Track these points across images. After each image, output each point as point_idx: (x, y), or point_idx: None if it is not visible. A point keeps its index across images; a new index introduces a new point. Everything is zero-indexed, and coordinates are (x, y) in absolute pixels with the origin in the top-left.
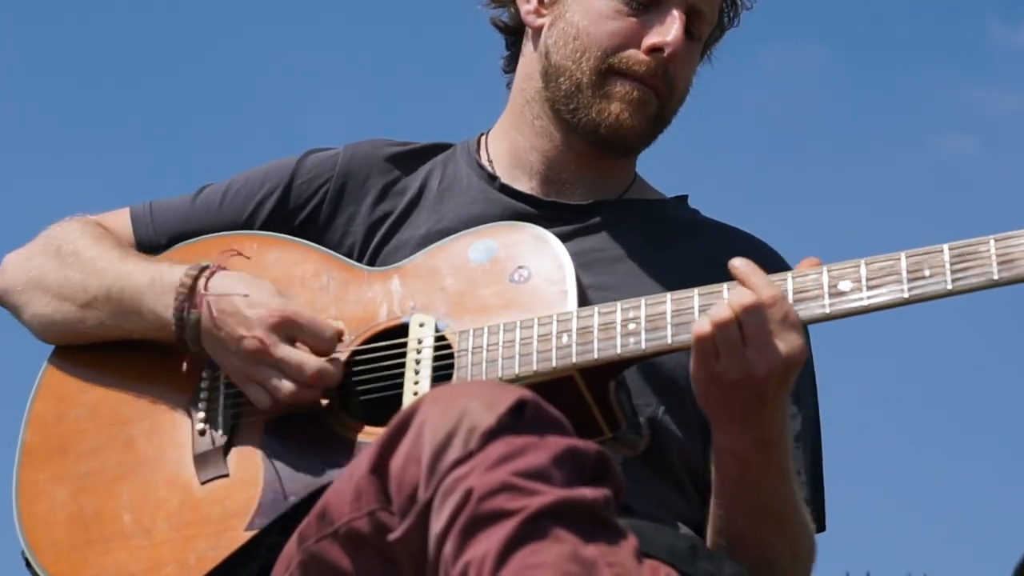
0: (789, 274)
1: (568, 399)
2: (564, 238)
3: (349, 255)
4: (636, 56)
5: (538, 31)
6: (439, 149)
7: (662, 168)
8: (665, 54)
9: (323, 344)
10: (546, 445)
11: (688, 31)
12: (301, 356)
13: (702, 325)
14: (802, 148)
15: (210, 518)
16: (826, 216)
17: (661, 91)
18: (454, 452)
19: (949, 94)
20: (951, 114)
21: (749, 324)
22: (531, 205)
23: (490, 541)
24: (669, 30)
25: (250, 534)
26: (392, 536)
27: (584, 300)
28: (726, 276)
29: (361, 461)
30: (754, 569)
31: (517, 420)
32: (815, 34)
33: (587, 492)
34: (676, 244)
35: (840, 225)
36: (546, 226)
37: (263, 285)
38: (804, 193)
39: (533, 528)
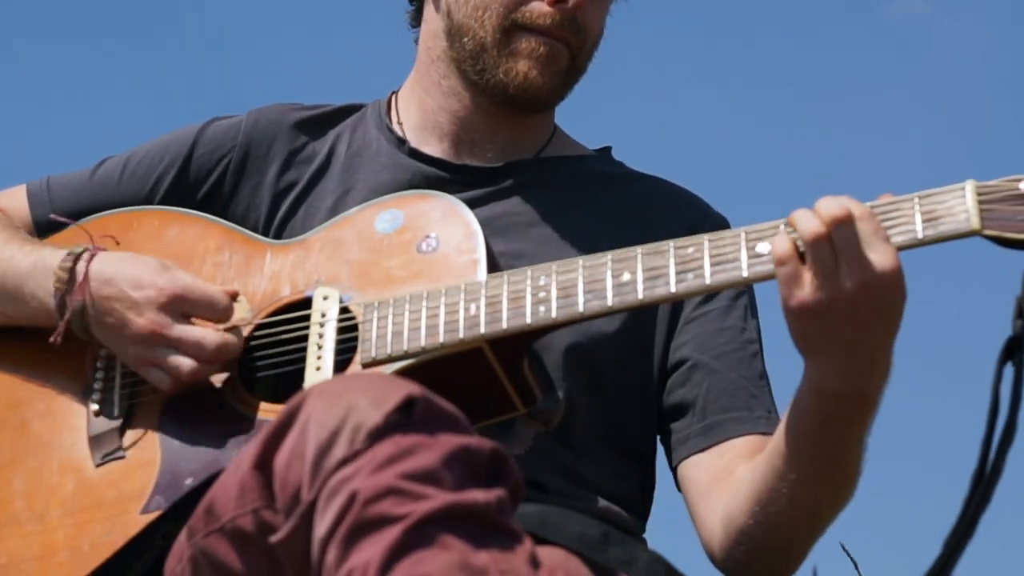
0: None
1: (478, 372)
2: (475, 203)
3: (255, 229)
4: (540, 8)
5: None
6: (350, 111)
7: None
8: (570, 4)
9: (219, 314)
10: (436, 444)
11: None
12: (199, 332)
13: (781, 246)
14: (745, 18)
15: (104, 501)
16: (777, 91)
17: (572, 42)
18: (339, 451)
19: None
20: None
21: (841, 237)
22: (442, 169)
23: (374, 548)
24: None
25: (147, 518)
26: (274, 538)
27: (495, 269)
28: (645, 231)
29: (246, 455)
30: (791, 519)
31: (406, 418)
32: None
33: (479, 495)
34: (595, 201)
35: (791, 100)
36: (457, 191)
37: (147, 263)
38: (753, 68)
39: (420, 535)
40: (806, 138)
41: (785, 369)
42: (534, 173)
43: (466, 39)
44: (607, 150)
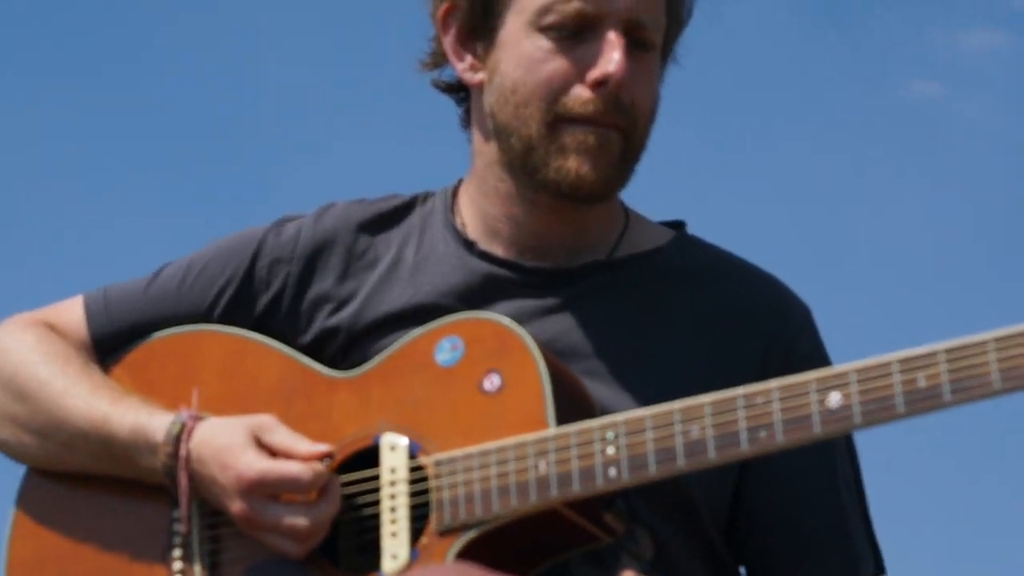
0: None
1: (555, 524)
2: (546, 312)
3: (316, 341)
4: (582, 95)
5: (480, 88)
6: (416, 204)
7: None
8: (610, 86)
9: (304, 489)
10: None
11: (637, 42)
12: (288, 520)
13: None
14: (765, 97)
15: None
16: (790, 166)
17: (620, 124)
18: None
19: (914, 37)
20: (916, 58)
21: None
22: (513, 271)
23: None
24: (609, 58)
25: None
26: None
27: (568, 402)
28: (722, 341)
29: None
30: None
31: None
32: None
33: None
34: (670, 305)
35: (804, 173)
36: (529, 295)
37: (234, 436)
38: (768, 142)
39: None
40: (821, 217)
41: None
42: (607, 275)
43: (513, 139)
44: (682, 230)
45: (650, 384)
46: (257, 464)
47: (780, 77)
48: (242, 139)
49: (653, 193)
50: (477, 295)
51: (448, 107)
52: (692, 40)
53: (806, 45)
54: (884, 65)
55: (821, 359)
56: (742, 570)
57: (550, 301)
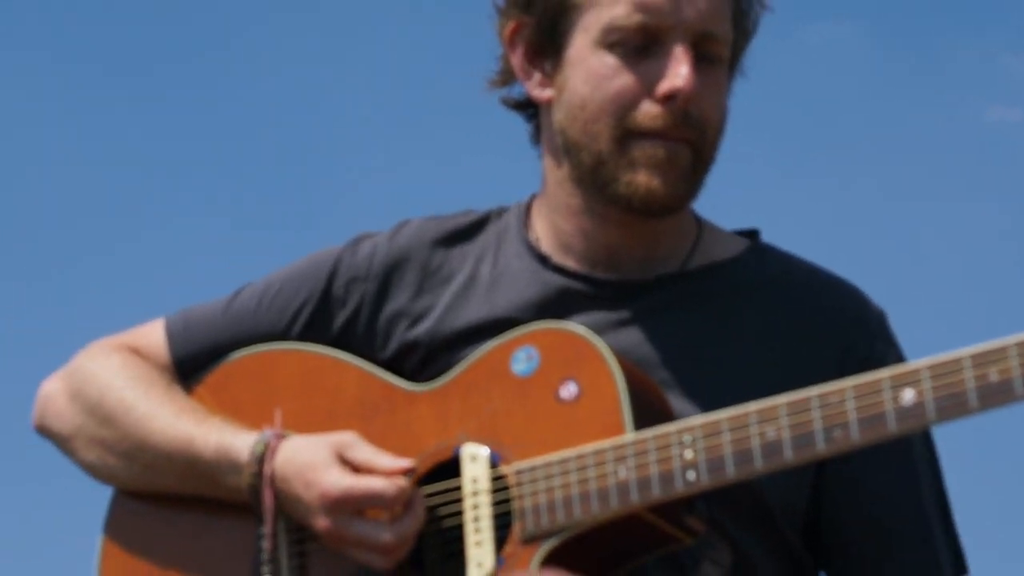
0: None
1: (637, 527)
2: (621, 324)
3: (394, 357)
4: (651, 111)
5: (548, 105)
6: (491, 220)
7: None
8: (679, 100)
9: (388, 504)
10: None
11: (703, 55)
12: (374, 536)
13: None
14: (843, 127)
15: None
16: (868, 192)
17: (690, 137)
18: None
19: (992, 63)
20: (994, 84)
21: None
22: (588, 284)
23: None
24: (677, 71)
25: None
26: None
27: (645, 409)
28: (798, 351)
29: None
30: None
31: None
32: (852, 10)
33: None
34: (745, 316)
35: (885, 203)
36: (604, 307)
37: (317, 453)
38: (848, 172)
39: None
40: (898, 242)
41: None
42: (681, 288)
43: (583, 155)
44: (756, 239)
45: (724, 394)
46: (341, 481)
47: (858, 102)
48: (313, 160)
49: (726, 206)
50: (552, 309)
51: (518, 124)
52: (770, 64)
53: (884, 70)
54: (962, 91)
55: (898, 363)
56: (822, 574)
57: (624, 313)
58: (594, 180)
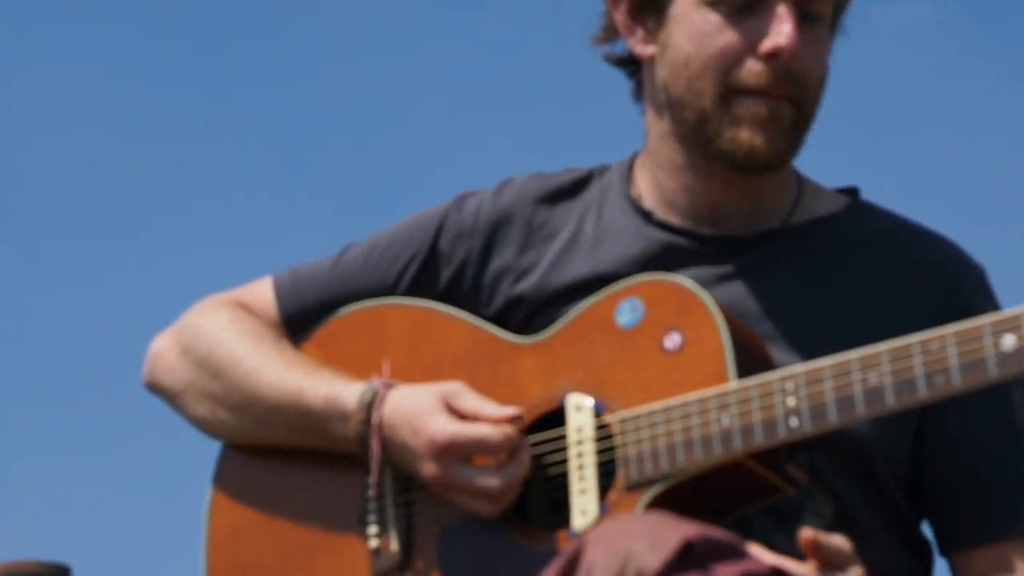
0: None
1: (739, 476)
2: (724, 279)
3: (499, 312)
4: (754, 68)
5: (651, 62)
6: (594, 177)
7: None
8: (782, 58)
9: (494, 451)
10: None
11: (806, 14)
12: (480, 480)
13: None
14: (924, 106)
15: None
16: (958, 175)
17: (792, 95)
18: None
19: None
20: None
21: None
22: (691, 240)
23: None
24: (780, 29)
25: None
26: None
27: (743, 358)
28: (897, 306)
29: None
30: None
31: (684, 560)
32: None
33: None
34: (847, 271)
35: (960, 176)
36: (707, 263)
37: (424, 402)
38: (923, 144)
39: None
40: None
41: None
42: (784, 244)
43: (686, 111)
44: (855, 196)
45: (825, 347)
46: (449, 427)
47: (934, 79)
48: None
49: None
50: (656, 264)
51: (621, 81)
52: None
53: (960, 46)
54: None
55: None
56: (925, 526)
57: (727, 268)
58: (697, 137)
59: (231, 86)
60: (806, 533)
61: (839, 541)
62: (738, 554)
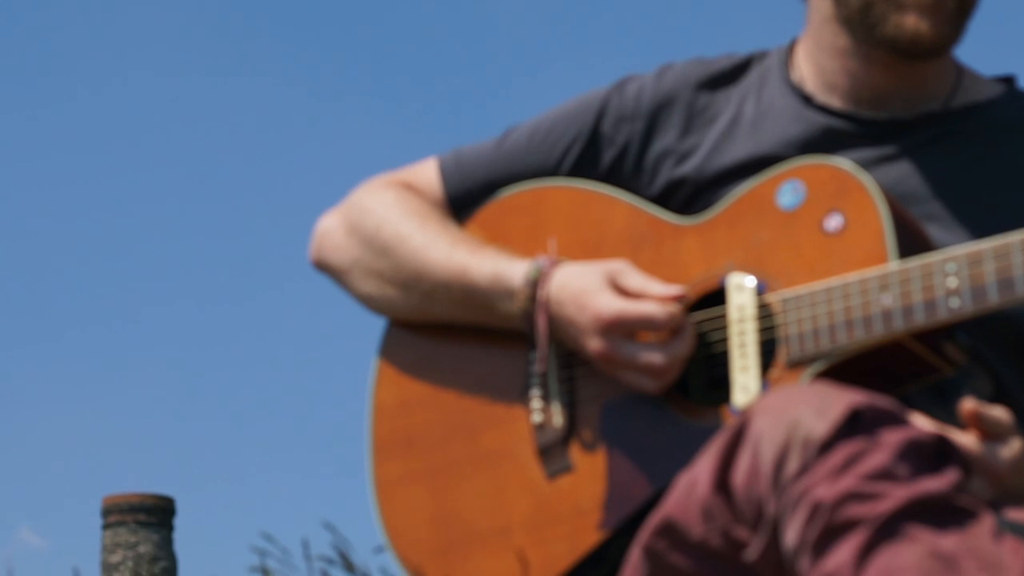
0: None
1: (900, 356)
2: (885, 160)
3: (660, 193)
4: None
5: None
6: (754, 62)
7: None
8: None
9: (658, 328)
10: (883, 444)
11: None
12: (645, 357)
13: None
14: None
15: (562, 516)
16: None
17: None
18: (793, 464)
19: None
20: None
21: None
22: (850, 122)
23: (845, 551)
24: None
25: (603, 533)
26: (749, 556)
27: (906, 239)
28: None
29: (700, 476)
30: None
31: (850, 427)
32: None
33: (933, 483)
34: (1007, 155)
35: None
36: (868, 145)
37: (590, 280)
38: None
39: (886, 532)
40: None
41: None
42: (945, 126)
43: None
44: (1013, 84)
45: (986, 228)
46: (614, 304)
47: None
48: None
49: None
50: (816, 146)
51: None
52: None
53: None
54: None
55: None
56: None
57: (887, 150)
58: (862, 21)
59: None
60: (968, 404)
61: (1000, 412)
62: (903, 421)
